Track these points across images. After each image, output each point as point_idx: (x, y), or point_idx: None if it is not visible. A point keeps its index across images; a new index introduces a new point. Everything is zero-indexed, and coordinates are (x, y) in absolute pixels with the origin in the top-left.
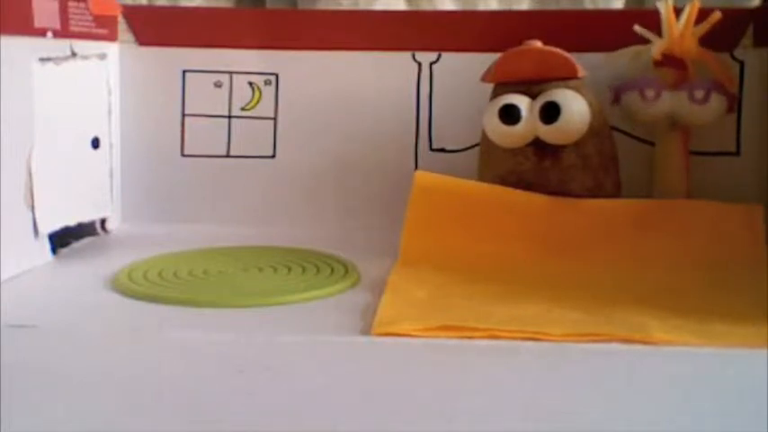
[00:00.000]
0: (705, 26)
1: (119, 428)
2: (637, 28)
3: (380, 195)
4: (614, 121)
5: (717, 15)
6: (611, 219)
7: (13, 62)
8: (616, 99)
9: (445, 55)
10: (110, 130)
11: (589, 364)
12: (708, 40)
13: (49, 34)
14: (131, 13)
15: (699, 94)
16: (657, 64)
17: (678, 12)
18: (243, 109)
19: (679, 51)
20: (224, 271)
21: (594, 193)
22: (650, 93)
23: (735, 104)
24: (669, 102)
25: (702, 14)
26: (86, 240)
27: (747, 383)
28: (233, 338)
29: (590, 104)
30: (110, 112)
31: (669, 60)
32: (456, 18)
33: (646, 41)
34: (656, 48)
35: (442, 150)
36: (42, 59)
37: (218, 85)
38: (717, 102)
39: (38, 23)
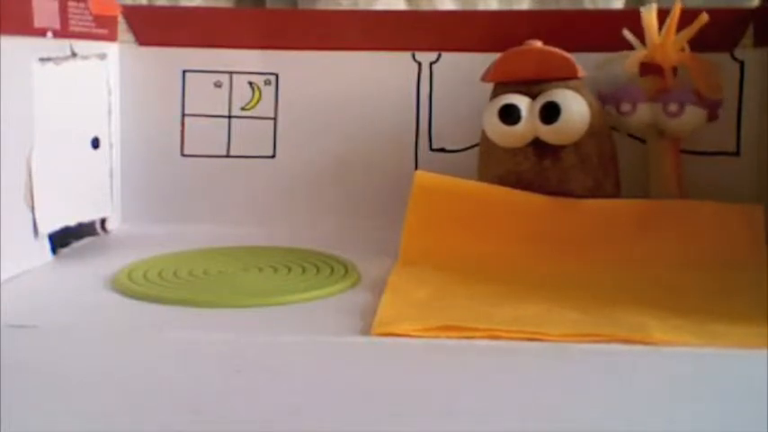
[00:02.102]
0: (690, 31)
1: (118, 428)
2: (625, 33)
3: (380, 195)
4: (613, 121)
5: (703, 18)
6: (612, 219)
7: (13, 62)
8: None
9: (445, 55)
10: (110, 130)
11: (589, 364)
12: (707, 41)
13: (49, 34)
14: (131, 13)
15: (672, 107)
16: (640, 72)
17: (682, 13)
18: (243, 109)
19: (660, 59)
20: (224, 271)
21: (594, 193)
22: (625, 106)
23: (717, 111)
24: (647, 114)
25: (695, 15)
26: (86, 240)
27: (747, 383)
28: (233, 338)
29: (590, 105)
30: (110, 112)
31: (651, 68)
32: (456, 18)
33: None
34: (633, 59)
35: (442, 150)
36: (42, 59)
37: (218, 85)
38: (692, 114)
39: (38, 23)
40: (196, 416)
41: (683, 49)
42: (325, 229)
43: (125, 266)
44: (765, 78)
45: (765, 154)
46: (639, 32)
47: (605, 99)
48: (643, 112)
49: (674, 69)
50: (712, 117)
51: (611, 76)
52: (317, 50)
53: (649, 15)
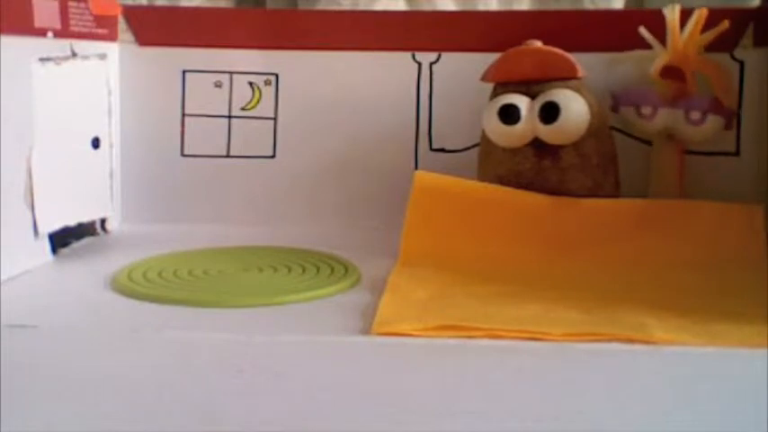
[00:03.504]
0: (710, 35)
1: (118, 428)
2: (642, 31)
3: (380, 195)
4: (614, 121)
5: (724, 25)
6: (612, 219)
7: (13, 62)
8: (615, 108)
9: (445, 55)
10: (110, 130)
11: (589, 364)
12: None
13: (49, 34)
14: (131, 13)
15: (695, 115)
16: (661, 75)
17: (684, 13)
18: (243, 109)
19: (681, 63)
20: (224, 271)
21: (593, 192)
22: (647, 110)
23: (732, 122)
24: (666, 119)
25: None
26: (86, 240)
27: (747, 383)
28: (233, 338)
29: (589, 105)
30: (110, 112)
31: (670, 72)
32: (456, 18)
33: (647, 43)
34: (658, 62)
35: (442, 150)
36: (42, 59)
37: (218, 85)
38: (713, 123)
39: (38, 23)
40: (196, 416)
41: (699, 53)
42: (325, 229)
43: (125, 266)
44: (765, 78)
45: (765, 154)
46: (638, 33)
47: (621, 101)
48: (663, 118)
49: (693, 74)
50: (728, 126)
51: (620, 76)
52: (317, 50)
53: (673, 17)
